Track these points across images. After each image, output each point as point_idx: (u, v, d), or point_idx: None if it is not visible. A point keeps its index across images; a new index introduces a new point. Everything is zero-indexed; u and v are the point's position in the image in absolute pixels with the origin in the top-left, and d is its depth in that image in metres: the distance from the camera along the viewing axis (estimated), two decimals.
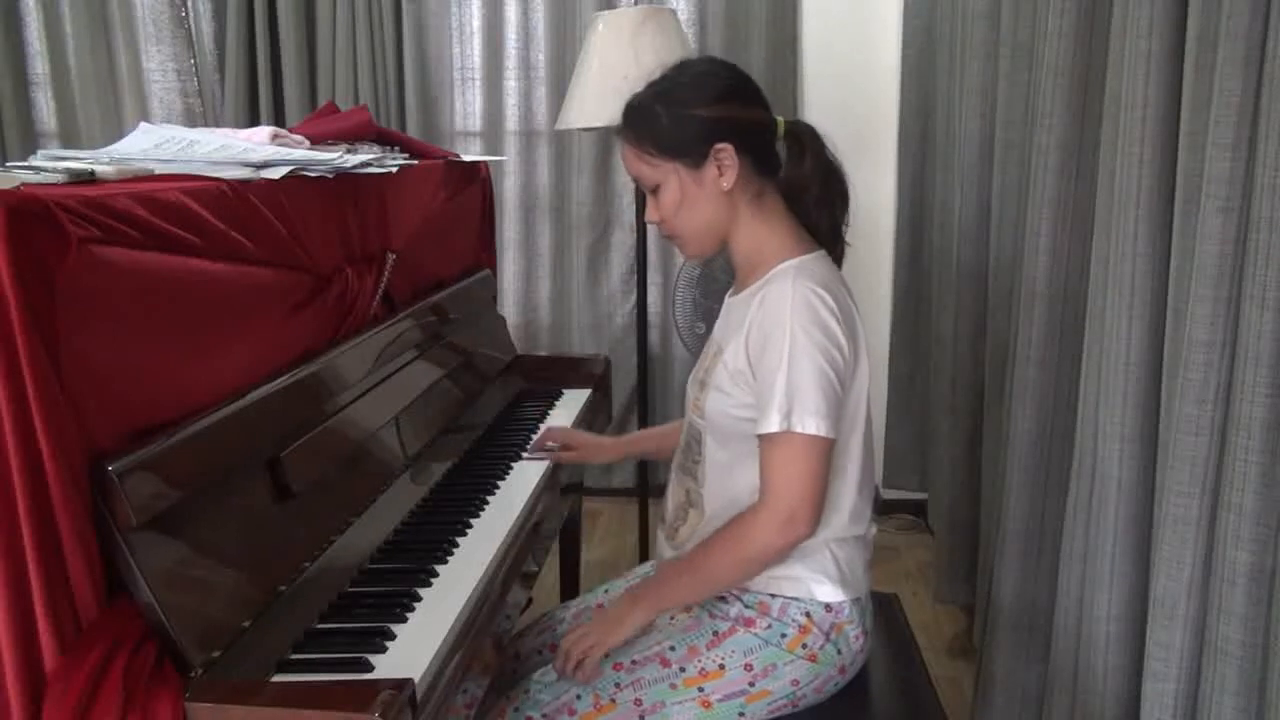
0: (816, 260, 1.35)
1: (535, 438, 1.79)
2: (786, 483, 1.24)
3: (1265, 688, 1.14)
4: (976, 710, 1.92)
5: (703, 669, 1.32)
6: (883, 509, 3.16)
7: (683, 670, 1.33)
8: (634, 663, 1.34)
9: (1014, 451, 1.77)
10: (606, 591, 1.59)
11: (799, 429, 1.22)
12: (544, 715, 1.33)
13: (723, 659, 1.33)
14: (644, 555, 2.76)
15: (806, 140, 1.37)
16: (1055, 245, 1.66)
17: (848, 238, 1.46)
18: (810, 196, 1.39)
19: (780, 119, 1.37)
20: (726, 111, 1.32)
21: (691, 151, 1.32)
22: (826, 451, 1.24)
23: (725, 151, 1.31)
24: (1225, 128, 1.14)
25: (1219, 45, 1.14)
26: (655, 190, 1.36)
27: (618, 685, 1.33)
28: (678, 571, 1.37)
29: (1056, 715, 1.60)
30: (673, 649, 1.35)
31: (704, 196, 1.33)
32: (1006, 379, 1.84)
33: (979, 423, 2.17)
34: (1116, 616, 1.46)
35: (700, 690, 1.32)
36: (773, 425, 1.23)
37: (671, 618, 1.39)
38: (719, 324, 1.44)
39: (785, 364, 1.23)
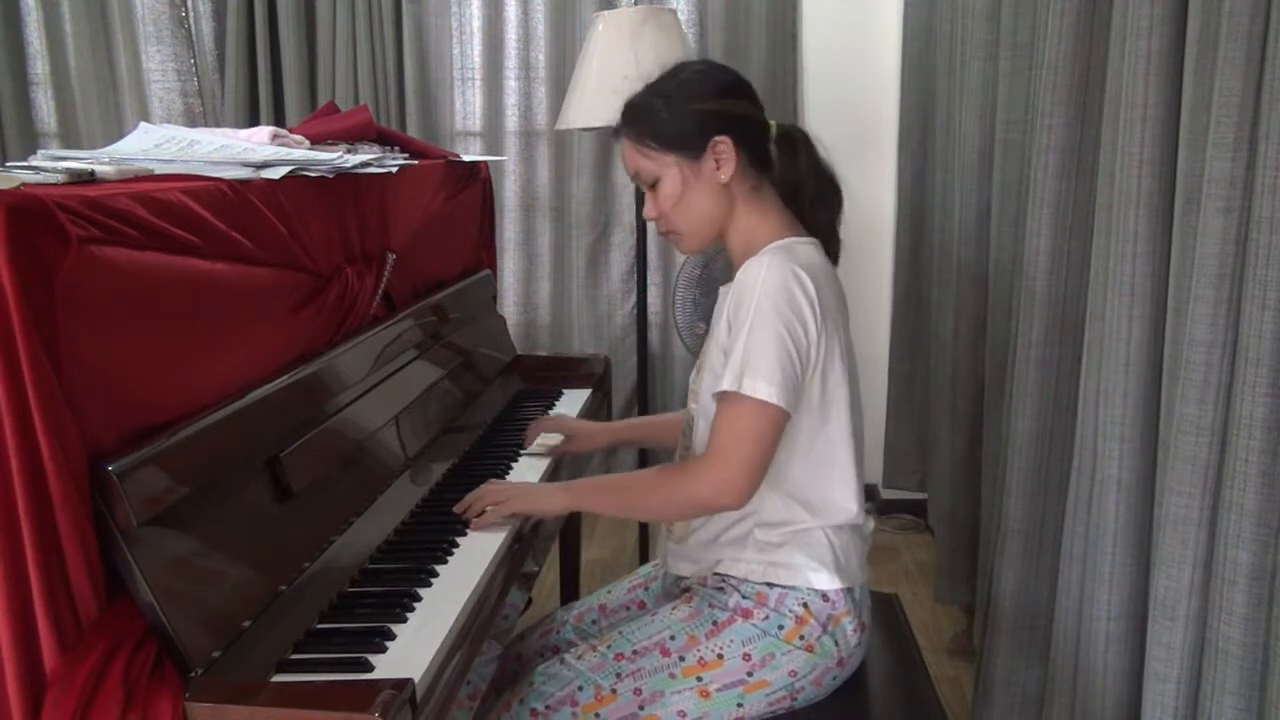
0: (805, 244, 1.36)
1: (528, 430, 1.78)
2: (730, 444, 1.25)
3: (1266, 688, 1.14)
4: (976, 710, 1.92)
5: (701, 658, 1.33)
6: (883, 509, 3.16)
7: (682, 660, 1.34)
8: (634, 652, 1.35)
9: (1014, 451, 1.77)
10: (609, 592, 1.60)
11: (748, 391, 1.23)
12: (547, 707, 1.34)
13: (721, 648, 1.33)
14: (644, 556, 2.76)
15: (800, 142, 1.41)
16: (1055, 245, 1.66)
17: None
18: (806, 196, 1.41)
19: (773, 122, 1.40)
20: (723, 105, 1.36)
21: (690, 144, 1.34)
22: (776, 420, 1.25)
23: (723, 144, 1.33)
24: (1225, 128, 1.14)
25: (1219, 45, 1.14)
26: (654, 185, 1.38)
27: (618, 675, 1.34)
28: (611, 485, 1.50)
29: (1056, 715, 1.60)
30: (672, 638, 1.35)
31: (703, 189, 1.36)
32: (1006, 379, 1.84)
33: (979, 423, 2.17)
34: (1116, 616, 1.46)
35: (699, 679, 1.32)
36: (725, 384, 1.25)
37: (673, 608, 1.40)
38: (715, 313, 1.45)
39: (747, 330, 1.25)
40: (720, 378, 1.27)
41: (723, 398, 1.26)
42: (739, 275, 1.32)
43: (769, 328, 1.24)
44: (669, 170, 1.36)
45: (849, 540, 1.37)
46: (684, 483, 1.30)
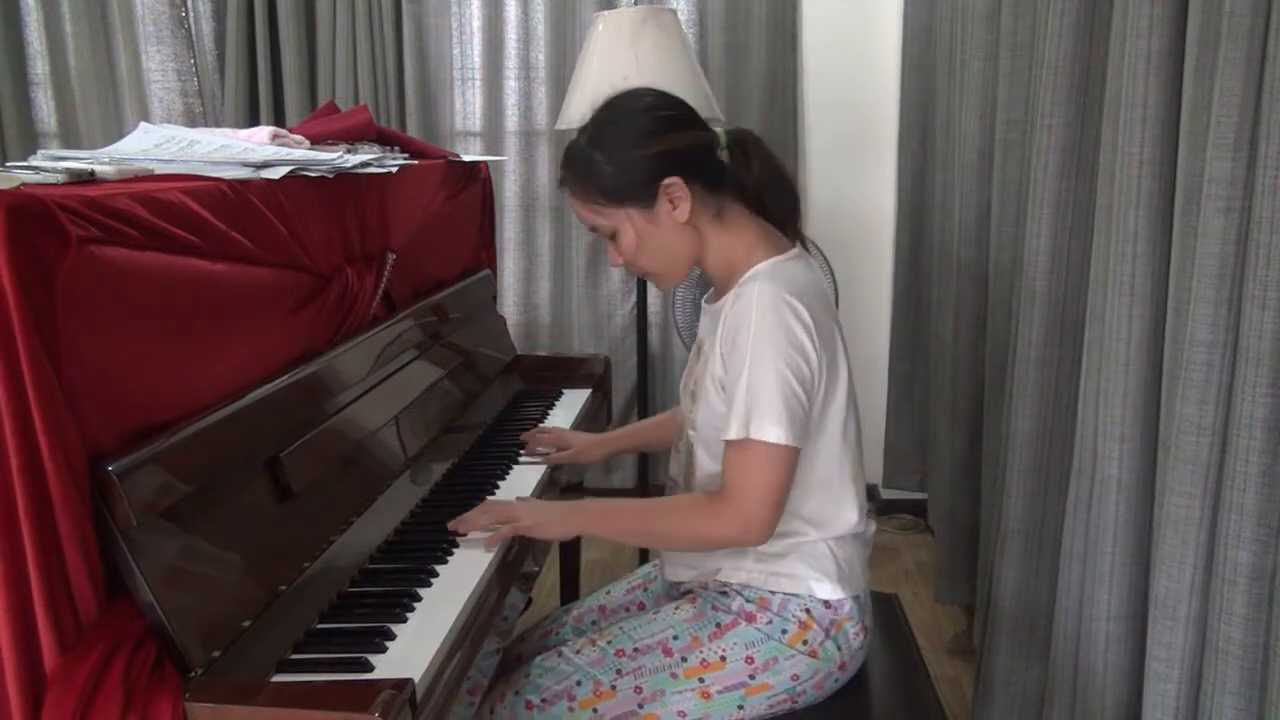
0: (791, 261, 1.33)
1: (527, 436, 1.77)
2: (747, 489, 1.24)
3: (1266, 688, 1.14)
4: (976, 710, 1.92)
5: (704, 660, 1.33)
6: (883, 509, 3.16)
7: (684, 660, 1.33)
8: (636, 650, 1.35)
9: (1014, 451, 1.77)
10: (608, 593, 1.60)
11: (757, 436, 1.22)
12: (544, 700, 1.34)
13: (724, 650, 1.33)
14: (644, 556, 2.76)
15: (751, 147, 1.36)
16: (1055, 245, 1.66)
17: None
18: (768, 202, 1.38)
19: (719, 131, 1.36)
20: (666, 145, 1.31)
21: (641, 194, 1.31)
22: (788, 459, 1.24)
23: (674, 184, 1.30)
24: (1225, 128, 1.14)
25: (1219, 45, 1.14)
26: (613, 236, 1.36)
27: (619, 672, 1.34)
28: (630, 512, 1.44)
29: (1056, 715, 1.60)
30: (675, 639, 1.35)
31: (664, 233, 1.33)
32: (1006, 379, 1.84)
33: (979, 423, 2.17)
34: (1116, 616, 1.46)
35: (701, 681, 1.32)
36: (732, 432, 1.24)
37: (676, 608, 1.40)
38: (701, 330, 1.44)
39: (747, 370, 1.23)
40: (725, 419, 1.26)
41: (734, 444, 1.25)
42: (729, 309, 1.29)
43: (769, 367, 1.23)
44: (625, 223, 1.33)
45: (852, 549, 1.37)
46: (706, 525, 1.29)
